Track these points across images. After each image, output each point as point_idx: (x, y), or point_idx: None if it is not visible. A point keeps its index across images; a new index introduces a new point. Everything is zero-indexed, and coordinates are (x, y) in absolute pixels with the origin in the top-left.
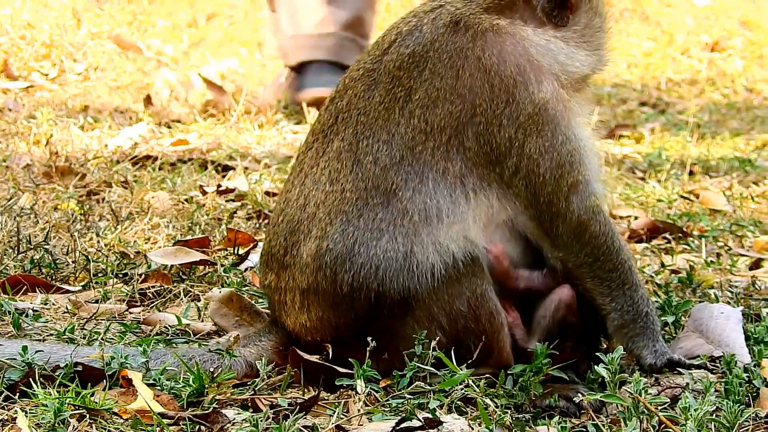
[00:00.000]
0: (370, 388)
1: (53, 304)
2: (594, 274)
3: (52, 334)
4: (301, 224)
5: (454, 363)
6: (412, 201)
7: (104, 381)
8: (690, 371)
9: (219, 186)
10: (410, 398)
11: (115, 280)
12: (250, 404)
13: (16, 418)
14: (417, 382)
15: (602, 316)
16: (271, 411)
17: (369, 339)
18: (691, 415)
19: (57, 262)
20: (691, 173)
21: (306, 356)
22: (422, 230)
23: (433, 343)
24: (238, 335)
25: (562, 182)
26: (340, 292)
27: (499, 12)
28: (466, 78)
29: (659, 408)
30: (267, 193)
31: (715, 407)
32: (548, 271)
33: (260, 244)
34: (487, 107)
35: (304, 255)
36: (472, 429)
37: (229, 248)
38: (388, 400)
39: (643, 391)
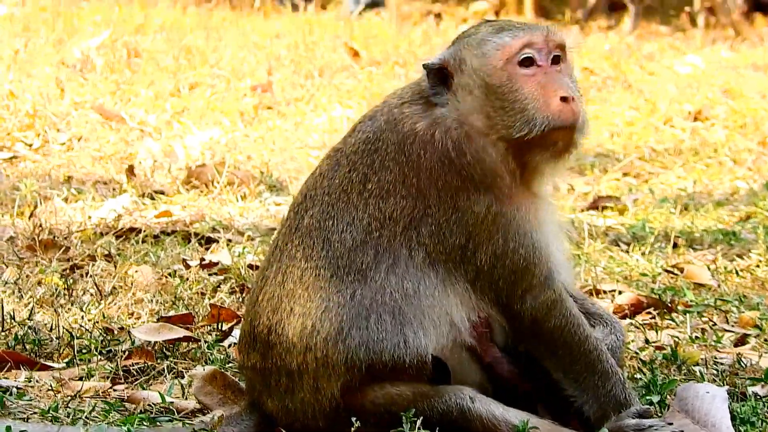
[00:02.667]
0: None
1: (37, 381)
2: (557, 366)
3: (35, 413)
4: (282, 302)
5: None
6: (388, 280)
7: None
8: None
9: (202, 260)
10: None
11: (99, 356)
12: None
13: None
14: None
15: (578, 407)
16: None
17: (354, 419)
18: None
19: (41, 338)
20: (675, 246)
21: None
22: (406, 309)
23: (419, 422)
24: (222, 415)
25: (516, 287)
26: (332, 371)
27: (424, 104)
28: (411, 177)
29: None
30: (250, 267)
31: None
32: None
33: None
34: (436, 210)
35: (290, 334)
36: None
37: (212, 324)
38: None
39: None
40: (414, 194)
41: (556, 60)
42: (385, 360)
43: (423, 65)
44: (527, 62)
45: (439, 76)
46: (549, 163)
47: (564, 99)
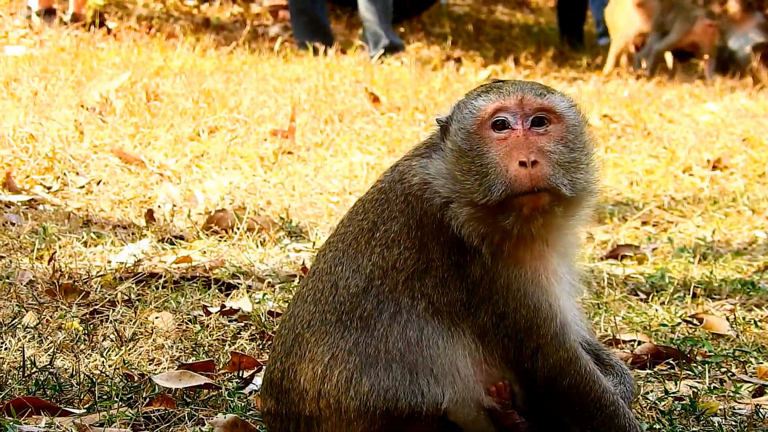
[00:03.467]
0: None
1: (58, 427)
2: (573, 421)
3: None
4: (293, 346)
5: None
6: (390, 328)
7: None
8: None
9: (223, 306)
10: None
11: (120, 403)
12: None
13: None
14: None
15: None
16: None
17: None
18: None
19: (62, 384)
20: (694, 295)
21: None
22: (411, 358)
23: None
24: None
25: (523, 346)
26: (345, 418)
27: (429, 157)
28: (415, 230)
29: None
30: (270, 314)
31: None
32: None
33: (264, 367)
34: (440, 265)
35: (302, 380)
36: None
37: (233, 372)
38: None
39: None
40: (418, 246)
41: (538, 122)
42: (402, 407)
43: (436, 119)
44: (500, 125)
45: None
46: (527, 226)
47: (522, 164)
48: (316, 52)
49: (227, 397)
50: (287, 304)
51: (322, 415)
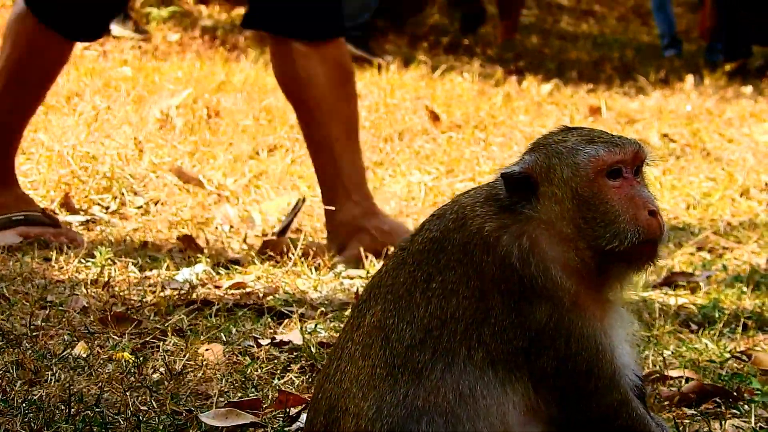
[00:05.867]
0: None
1: None
2: None
3: None
4: (338, 401)
5: None
6: (443, 380)
7: None
8: None
9: (273, 338)
10: None
11: None
12: None
13: None
14: None
15: None
16: None
17: None
18: None
19: (108, 422)
20: (745, 327)
21: None
22: (459, 411)
23: None
24: None
25: (580, 390)
26: None
27: (492, 206)
28: (474, 279)
29: None
30: (321, 344)
31: None
32: None
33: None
34: (500, 313)
35: None
36: None
37: (280, 409)
38: None
39: None
40: (477, 296)
41: (637, 171)
42: None
43: (502, 174)
44: (615, 174)
45: (520, 183)
46: (628, 274)
47: (652, 213)
48: (380, 68)
49: None
50: (332, 349)
51: None
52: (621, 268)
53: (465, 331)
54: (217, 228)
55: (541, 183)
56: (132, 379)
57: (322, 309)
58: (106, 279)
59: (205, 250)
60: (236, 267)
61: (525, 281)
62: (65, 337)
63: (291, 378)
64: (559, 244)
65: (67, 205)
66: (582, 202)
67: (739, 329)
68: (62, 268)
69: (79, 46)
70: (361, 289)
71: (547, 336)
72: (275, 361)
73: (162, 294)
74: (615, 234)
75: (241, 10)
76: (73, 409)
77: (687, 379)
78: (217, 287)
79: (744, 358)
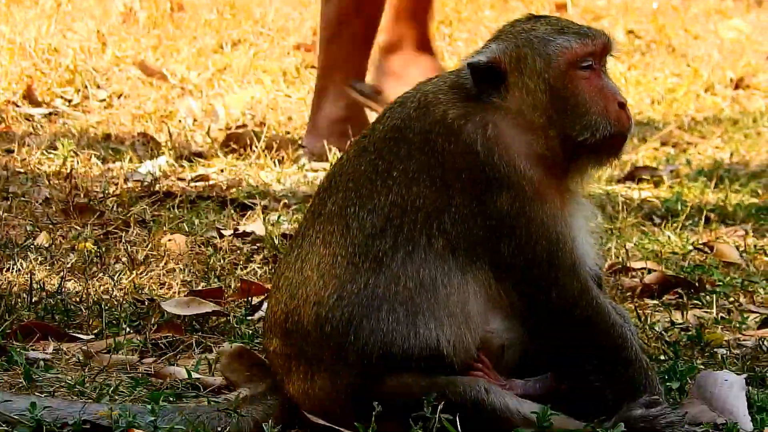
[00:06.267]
0: None
1: (65, 353)
2: (582, 353)
3: (62, 386)
4: (299, 288)
5: (460, 430)
6: (404, 268)
7: None
8: None
9: (236, 229)
10: None
11: (128, 329)
12: None
13: None
14: None
15: (598, 392)
16: None
17: (375, 403)
18: None
19: (70, 309)
20: (707, 221)
21: (314, 419)
22: (419, 300)
23: (440, 407)
24: (246, 395)
25: (539, 279)
26: (345, 361)
27: (457, 94)
28: (436, 168)
29: None
30: (284, 236)
31: None
32: (550, 374)
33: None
34: (461, 201)
35: (305, 322)
36: None
37: (242, 298)
38: None
39: None
40: (438, 185)
41: (603, 63)
42: (395, 352)
43: (468, 64)
44: (586, 66)
45: (487, 73)
46: (592, 167)
47: (621, 105)
48: None
49: (235, 325)
50: (293, 237)
51: (323, 357)
52: (586, 160)
53: (426, 220)
54: (180, 121)
55: (511, 73)
56: (94, 268)
57: (285, 201)
58: (69, 170)
59: (168, 143)
60: (199, 160)
61: (488, 170)
62: (27, 227)
63: (254, 268)
64: (525, 133)
65: (29, 97)
66: (554, 94)
67: (702, 222)
68: (24, 159)
69: None
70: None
71: (508, 224)
72: (238, 252)
73: (125, 186)
74: (586, 126)
75: None
76: (35, 297)
77: (649, 271)
78: (180, 179)
79: (706, 250)
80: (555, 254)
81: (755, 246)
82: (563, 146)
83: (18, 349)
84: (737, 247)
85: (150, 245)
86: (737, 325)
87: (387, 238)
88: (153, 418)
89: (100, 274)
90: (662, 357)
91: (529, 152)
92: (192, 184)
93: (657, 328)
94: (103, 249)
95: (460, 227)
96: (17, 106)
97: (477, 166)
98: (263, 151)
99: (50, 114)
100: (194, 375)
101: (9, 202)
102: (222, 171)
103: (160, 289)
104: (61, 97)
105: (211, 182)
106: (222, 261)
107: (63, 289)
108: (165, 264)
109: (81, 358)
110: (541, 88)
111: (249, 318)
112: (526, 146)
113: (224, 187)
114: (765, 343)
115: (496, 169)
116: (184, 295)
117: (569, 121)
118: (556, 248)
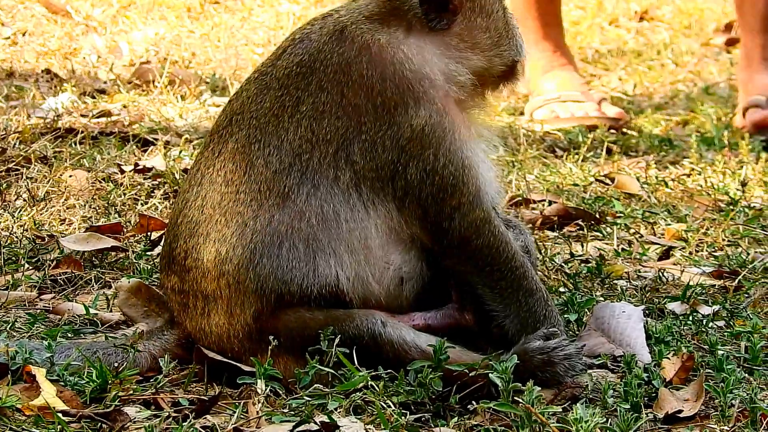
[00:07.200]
0: (274, 388)
1: None
2: (483, 282)
3: None
4: (200, 226)
5: (356, 363)
6: (308, 203)
7: (8, 376)
8: (590, 371)
9: (137, 164)
10: (310, 400)
11: (27, 265)
12: (152, 402)
13: None
14: (317, 384)
15: (499, 322)
16: (173, 409)
17: (271, 338)
18: (581, 427)
19: None
20: (609, 152)
21: (210, 354)
22: (321, 235)
23: (336, 341)
24: (142, 330)
25: (444, 205)
26: (243, 298)
27: (382, 21)
28: (350, 96)
29: (553, 416)
30: (185, 171)
31: (607, 418)
32: (452, 305)
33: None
34: (371, 127)
35: (205, 259)
36: None
37: (142, 234)
38: (288, 401)
39: (536, 400)
40: (350, 113)
41: None
42: (293, 290)
43: None
44: None
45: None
46: (501, 90)
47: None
48: None
49: (134, 260)
50: (188, 175)
51: (221, 293)
52: (504, 84)
53: (335, 153)
54: (84, 58)
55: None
56: None
57: (187, 136)
58: None
59: (72, 80)
60: (102, 96)
61: (405, 86)
62: None
63: (154, 204)
64: (453, 59)
65: None
66: (492, 22)
67: (603, 154)
68: None
69: None
70: None
71: (417, 145)
72: (139, 188)
73: (27, 122)
74: (518, 47)
75: None
76: None
77: (550, 203)
78: (83, 116)
79: (607, 181)
80: (460, 180)
81: (656, 177)
82: (480, 73)
83: None
84: (638, 179)
85: (51, 181)
86: (637, 257)
87: (294, 174)
88: (50, 354)
89: (0, 211)
90: (562, 289)
91: (450, 77)
92: (94, 120)
93: (557, 260)
94: (4, 186)
95: (368, 155)
96: None
97: (393, 86)
98: (166, 86)
99: None
100: (92, 311)
101: None
102: (125, 107)
103: (60, 225)
104: None
105: (113, 118)
106: (123, 196)
107: None
108: (65, 200)
109: None
110: (488, 14)
111: (148, 254)
112: (452, 71)
113: (126, 123)
114: (664, 274)
115: (419, 89)
116: (83, 231)
117: (502, 48)
118: (462, 174)
